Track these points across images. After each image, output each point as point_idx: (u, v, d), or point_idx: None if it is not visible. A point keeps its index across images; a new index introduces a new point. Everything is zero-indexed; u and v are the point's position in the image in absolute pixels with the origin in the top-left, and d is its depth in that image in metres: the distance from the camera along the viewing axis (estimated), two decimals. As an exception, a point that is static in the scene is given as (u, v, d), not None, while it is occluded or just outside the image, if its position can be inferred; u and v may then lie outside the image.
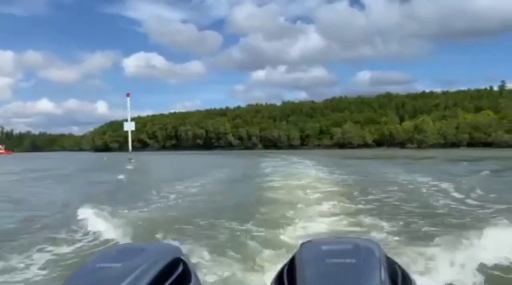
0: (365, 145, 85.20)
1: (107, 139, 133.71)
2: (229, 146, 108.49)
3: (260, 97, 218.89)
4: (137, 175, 22.74)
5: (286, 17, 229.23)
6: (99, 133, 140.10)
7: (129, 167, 30.71)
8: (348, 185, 13.89)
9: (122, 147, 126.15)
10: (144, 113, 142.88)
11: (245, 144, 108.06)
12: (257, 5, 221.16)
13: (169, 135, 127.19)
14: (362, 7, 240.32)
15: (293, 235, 6.03)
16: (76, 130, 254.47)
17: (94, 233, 6.94)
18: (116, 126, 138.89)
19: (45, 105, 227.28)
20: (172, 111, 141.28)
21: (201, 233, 6.45)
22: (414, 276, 1.25)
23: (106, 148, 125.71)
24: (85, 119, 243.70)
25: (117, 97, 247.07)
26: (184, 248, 1.57)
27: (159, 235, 6.29)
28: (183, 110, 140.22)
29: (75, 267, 1.23)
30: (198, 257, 4.89)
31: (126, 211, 8.97)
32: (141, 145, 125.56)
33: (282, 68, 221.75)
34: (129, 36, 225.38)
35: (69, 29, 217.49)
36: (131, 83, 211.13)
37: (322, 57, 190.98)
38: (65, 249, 6.12)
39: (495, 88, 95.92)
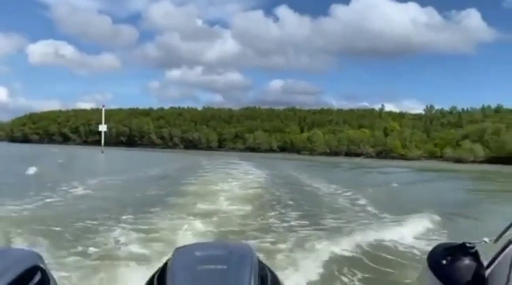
0: (271, 150, 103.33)
1: (28, 131, 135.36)
2: (152, 144, 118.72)
3: (174, 95, 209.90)
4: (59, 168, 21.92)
5: (204, 20, 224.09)
6: (17, 124, 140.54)
7: (102, 155, 43.94)
8: (248, 188, 14.39)
9: (42, 139, 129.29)
10: (51, 103, 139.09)
11: (167, 143, 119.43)
12: (175, 4, 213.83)
13: (92, 130, 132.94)
14: (276, 18, 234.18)
15: (174, 240, 5.72)
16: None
17: None
18: (35, 118, 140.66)
19: None
20: (88, 105, 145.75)
21: (73, 237, 5.86)
22: (283, 279, 1.28)
23: (25, 140, 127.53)
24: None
25: (19, 84, 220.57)
26: (47, 255, 1.59)
27: (23, 239, 5.69)
28: (104, 107, 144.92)
29: None
30: (63, 265, 4.62)
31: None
32: (62, 138, 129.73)
33: (198, 69, 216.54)
34: (36, 21, 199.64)
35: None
36: (36, 71, 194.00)
37: (237, 62, 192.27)
38: None
39: (377, 109, 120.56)
